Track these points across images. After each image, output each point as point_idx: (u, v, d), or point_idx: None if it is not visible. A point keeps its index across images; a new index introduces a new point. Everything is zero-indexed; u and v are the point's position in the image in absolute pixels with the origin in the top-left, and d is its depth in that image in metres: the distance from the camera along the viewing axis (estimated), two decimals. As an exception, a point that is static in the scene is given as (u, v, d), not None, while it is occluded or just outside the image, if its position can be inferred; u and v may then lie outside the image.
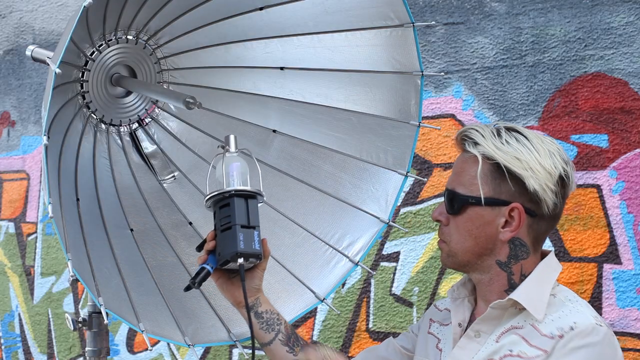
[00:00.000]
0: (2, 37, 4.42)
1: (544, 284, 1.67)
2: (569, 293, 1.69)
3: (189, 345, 1.88)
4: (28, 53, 2.01)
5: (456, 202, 1.70)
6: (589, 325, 1.58)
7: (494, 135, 1.67)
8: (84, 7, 1.53)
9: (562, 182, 1.66)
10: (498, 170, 1.65)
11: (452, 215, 1.71)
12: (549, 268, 1.71)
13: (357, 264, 2.16)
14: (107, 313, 1.65)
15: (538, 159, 1.63)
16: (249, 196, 1.76)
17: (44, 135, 1.54)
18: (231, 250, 1.71)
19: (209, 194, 1.78)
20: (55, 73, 1.52)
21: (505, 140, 1.65)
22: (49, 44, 4.17)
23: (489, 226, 1.67)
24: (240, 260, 1.71)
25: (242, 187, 1.75)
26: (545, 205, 1.65)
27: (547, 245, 2.98)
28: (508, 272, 1.70)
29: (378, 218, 2.15)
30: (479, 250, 1.69)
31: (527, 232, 1.68)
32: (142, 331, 1.76)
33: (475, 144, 1.68)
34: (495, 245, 1.68)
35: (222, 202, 1.76)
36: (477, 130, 1.69)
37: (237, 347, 2.12)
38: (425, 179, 3.16)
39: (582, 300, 1.68)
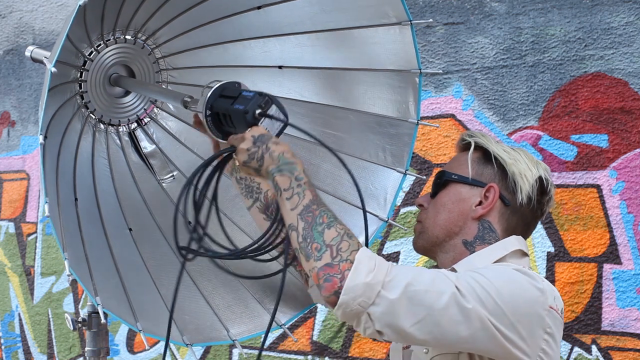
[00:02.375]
0: (2, 37, 4.42)
1: (484, 259, 1.72)
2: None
3: (187, 344, 1.88)
4: (27, 54, 2.01)
5: (442, 179, 1.82)
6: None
7: (493, 139, 1.83)
8: (79, 6, 1.53)
9: (542, 186, 1.77)
10: (485, 156, 1.80)
11: (434, 198, 1.83)
12: (502, 249, 1.74)
13: (356, 264, 2.15)
14: (105, 313, 1.65)
15: (525, 158, 1.78)
16: (221, 91, 1.78)
17: (40, 134, 1.54)
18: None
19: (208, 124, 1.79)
20: (51, 72, 1.52)
21: (502, 144, 1.82)
22: (49, 44, 4.17)
23: (464, 203, 1.77)
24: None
25: (206, 99, 1.76)
26: (520, 196, 1.74)
27: (547, 245, 2.98)
28: (471, 251, 1.75)
29: (377, 216, 2.15)
30: (449, 225, 1.77)
31: (499, 219, 1.76)
32: (140, 330, 1.76)
33: (472, 136, 1.83)
34: (465, 223, 1.76)
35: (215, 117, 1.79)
36: (478, 132, 1.86)
37: (236, 347, 2.12)
38: (425, 177, 3.16)
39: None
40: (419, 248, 1.84)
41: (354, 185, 1.70)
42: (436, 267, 1.85)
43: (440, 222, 1.78)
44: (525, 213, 1.77)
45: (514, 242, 1.75)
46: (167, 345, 1.75)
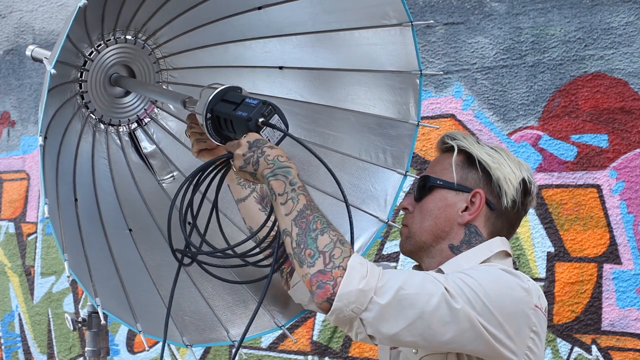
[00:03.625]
0: (2, 37, 4.42)
1: (470, 260, 1.74)
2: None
3: (187, 345, 1.88)
4: (28, 53, 2.01)
5: (426, 184, 1.81)
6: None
7: (474, 140, 1.82)
8: (79, 7, 1.53)
9: (525, 188, 1.78)
10: (469, 160, 1.79)
11: (418, 202, 1.82)
12: (487, 250, 1.76)
13: (356, 264, 2.15)
14: (104, 314, 1.65)
15: (507, 161, 1.78)
16: (222, 95, 1.77)
17: (39, 135, 1.54)
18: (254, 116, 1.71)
19: (210, 132, 1.79)
20: (51, 74, 1.52)
21: (483, 145, 1.82)
22: (49, 44, 4.17)
23: (450, 209, 1.78)
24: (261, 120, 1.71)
25: (207, 102, 1.75)
26: (505, 200, 1.76)
27: (547, 245, 2.98)
28: (457, 254, 1.76)
29: (377, 217, 2.15)
30: (436, 231, 1.78)
31: (485, 224, 1.78)
32: (140, 331, 1.76)
33: (454, 139, 1.82)
34: (452, 228, 1.77)
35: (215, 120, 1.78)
36: (458, 133, 1.85)
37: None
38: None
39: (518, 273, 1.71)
40: (405, 252, 1.85)
41: (343, 196, 1.72)
42: (418, 267, 1.86)
43: (427, 228, 1.79)
44: (510, 215, 1.79)
45: (498, 243, 1.77)
46: (164, 346, 1.76)
